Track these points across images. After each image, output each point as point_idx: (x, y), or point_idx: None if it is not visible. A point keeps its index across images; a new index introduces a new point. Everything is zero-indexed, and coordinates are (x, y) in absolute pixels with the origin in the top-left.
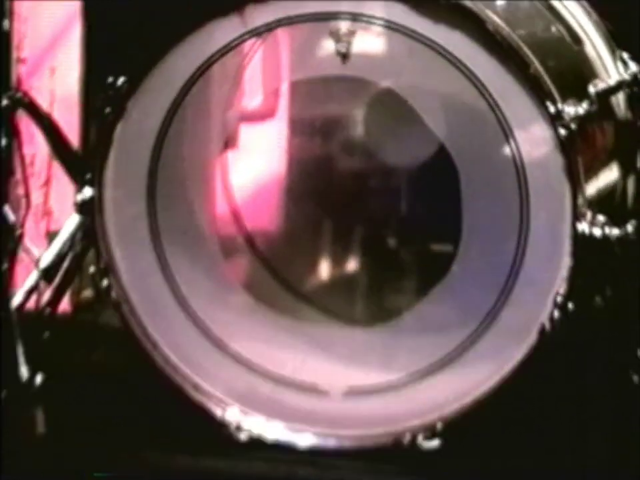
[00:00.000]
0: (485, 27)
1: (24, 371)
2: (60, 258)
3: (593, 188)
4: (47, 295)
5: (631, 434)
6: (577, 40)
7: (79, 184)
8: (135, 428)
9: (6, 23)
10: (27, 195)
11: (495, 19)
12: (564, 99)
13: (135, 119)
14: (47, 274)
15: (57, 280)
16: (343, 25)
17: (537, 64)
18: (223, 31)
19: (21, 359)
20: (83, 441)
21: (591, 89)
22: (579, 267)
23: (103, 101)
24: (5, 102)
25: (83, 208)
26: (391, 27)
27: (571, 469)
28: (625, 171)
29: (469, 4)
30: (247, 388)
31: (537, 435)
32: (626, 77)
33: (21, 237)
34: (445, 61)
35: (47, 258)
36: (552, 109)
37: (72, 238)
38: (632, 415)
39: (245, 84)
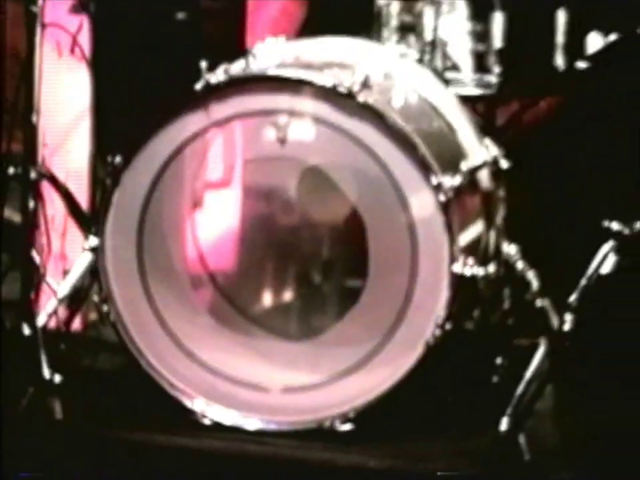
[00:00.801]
0: (386, 121)
1: (46, 373)
2: (73, 290)
3: (464, 239)
4: (63, 317)
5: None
6: (452, 130)
7: (87, 235)
8: (125, 415)
9: (34, 118)
10: (49, 244)
11: (393, 115)
12: (443, 173)
13: (127, 188)
14: (63, 301)
15: (71, 306)
16: (281, 118)
17: (424, 148)
18: (192, 122)
19: (44, 364)
20: (91, 423)
21: (463, 167)
22: (455, 298)
23: (104, 174)
24: (33, 175)
25: (90, 252)
26: (317, 119)
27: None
28: (488, 227)
29: (374, 104)
30: (209, 386)
31: (423, 422)
32: (488, 157)
33: (44, 274)
34: (356, 145)
35: (63, 290)
36: (434, 181)
37: (81, 275)
38: (490, 410)
39: (209, 161)
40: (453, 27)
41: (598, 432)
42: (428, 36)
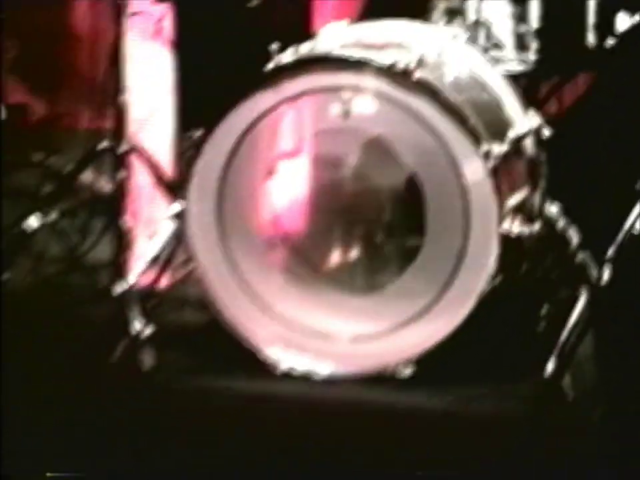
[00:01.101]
0: (439, 96)
1: (138, 325)
2: (160, 251)
3: (512, 201)
4: (151, 276)
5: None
6: (498, 102)
7: (172, 201)
8: (208, 365)
9: (123, 98)
10: (138, 210)
11: (445, 90)
12: (492, 141)
13: (208, 158)
14: (153, 262)
15: (158, 266)
16: (345, 94)
17: (473, 119)
18: (265, 99)
19: (136, 318)
20: (178, 372)
21: (509, 135)
22: (504, 253)
23: (187, 146)
24: (123, 148)
25: (175, 217)
26: (378, 94)
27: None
28: (532, 189)
29: (428, 80)
30: (284, 336)
31: (476, 367)
32: (531, 126)
33: (133, 238)
34: (413, 118)
35: (151, 251)
36: (484, 149)
37: (168, 238)
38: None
39: (281, 134)
40: (495, 10)
41: (634, 373)
42: (473, 17)
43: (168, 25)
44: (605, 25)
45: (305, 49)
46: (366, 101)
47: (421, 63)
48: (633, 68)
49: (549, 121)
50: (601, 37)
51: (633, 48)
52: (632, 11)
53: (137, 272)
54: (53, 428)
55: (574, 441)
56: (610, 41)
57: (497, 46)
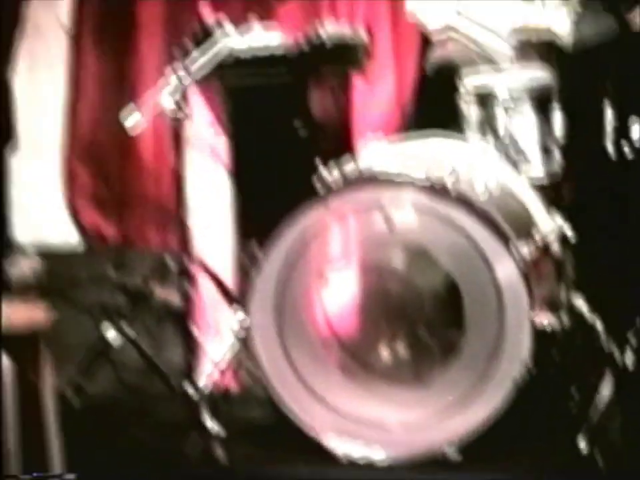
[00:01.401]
0: (472, 205)
1: (209, 422)
2: (227, 355)
3: (540, 293)
4: (221, 377)
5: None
6: (525, 207)
7: (236, 310)
8: (275, 455)
9: (186, 217)
10: (205, 319)
11: (477, 200)
12: (520, 243)
13: (266, 272)
14: (221, 364)
15: (226, 367)
16: (388, 208)
17: (503, 224)
18: (315, 216)
19: (208, 416)
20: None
21: (536, 236)
22: (536, 343)
23: (246, 261)
24: (190, 263)
25: (239, 325)
26: (417, 207)
27: None
28: (558, 282)
29: (461, 192)
30: (340, 426)
31: (515, 446)
32: (555, 227)
33: (202, 344)
34: (449, 225)
35: (219, 356)
36: (513, 251)
37: (233, 344)
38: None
39: (330, 246)
40: (522, 124)
41: None
42: (502, 132)
43: (224, 151)
44: (622, 133)
45: (349, 167)
46: (406, 213)
47: (454, 176)
48: None
49: (571, 221)
50: (619, 145)
51: None
52: None
53: (207, 376)
54: None
55: None
56: (627, 149)
57: (523, 157)
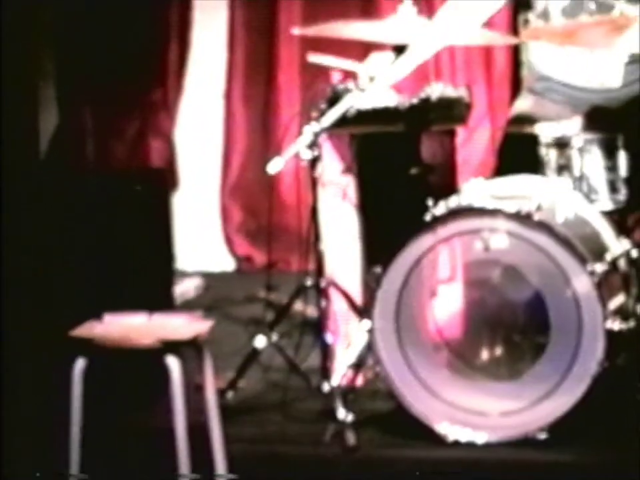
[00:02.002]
0: (554, 231)
1: (341, 414)
2: (355, 358)
3: (612, 305)
4: (351, 376)
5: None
6: (598, 233)
7: (362, 320)
8: (396, 440)
9: (321, 246)
10: (337, 328)
11: (558, 227)
12: (594, 262)
13: (386, 288)
14: (351, 366)
15: (354, 369)
16: (485, 234)
17: (580, 247)
18: (425, 241)
19: (340, 408)
20: (372, 444)
21: (607, 257)
22: (609, 345)
23: (371, 279)
24: (323, 284)
25: (365, 332)
26: (509, 233)
27: None
28: (627, 295)
29: (545, 220)
30: (450, 415)
31: (594, 432)
32: (623, 249)
33: (335, 348)
34: (536, 248)
35: (349, 358)
36: (589, 269)
37: (361, 348)
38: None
39: (439, 265)
40: (593, 164)
41: None
42: (577, 172)
43: (352, 189)
44: None
45: (453, 202)
46: (500, 238)
47: (539, 208)
48: None
49: (637, 244)
50: None
51: None
52: None
53: (339, 374)
54: None
55: None
56: None
57: (595, 191)
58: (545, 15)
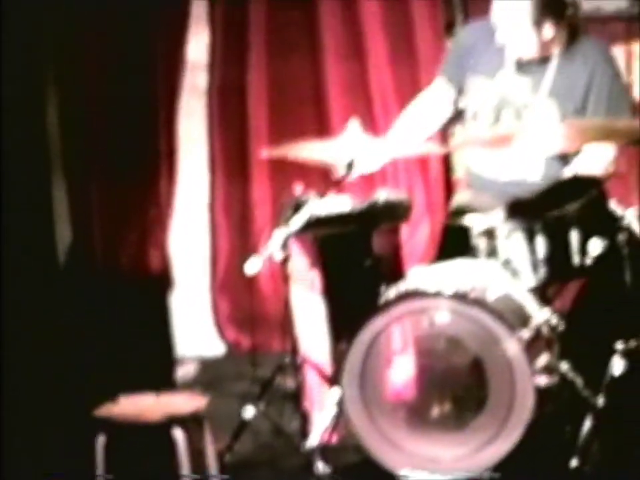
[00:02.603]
0: (486, 308)
1: (321, 467)
2: (330, 419)
3: (538, 364)
4: (327, 434)
5: None
6: (523, 307)
7: (333, 388)
8: None
9: (295, 332)
10: (314, 398)
11: (490, 304)
12: (521, 330)
13: (351, 359)
14: (326, 426)
15: (330, 427)
16: (430, 312)
17: (510, 319)
18: (380, 321)
19: (320, 463)
20: None
21: (532, 325)
22: (537, 397)
23: (339, 353)
24: (300, 359)
25: (335, 402)
26: (450, 310)
27: None
28: (550, 354)
29: (479, 299)
30: (409, 462)
31: (527, 466)
32: (544, 318)
33: (310, 415)
34: (472, 322)
35: (324, 420)
36: (516, 335)
37: (334, 411)
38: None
39: (394, 340)
40: (516, 248)
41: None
42: (503, 256)
43: (318, 281)
44: (584, 248)
45: (402, 286)
46: (443, 315)
47: (473, 288)
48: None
49: (556, 312)
50: (583, 254)
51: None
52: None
53: (317, 435)
54: None
55: None
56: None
57: (519, 271)
58: (474, 117)
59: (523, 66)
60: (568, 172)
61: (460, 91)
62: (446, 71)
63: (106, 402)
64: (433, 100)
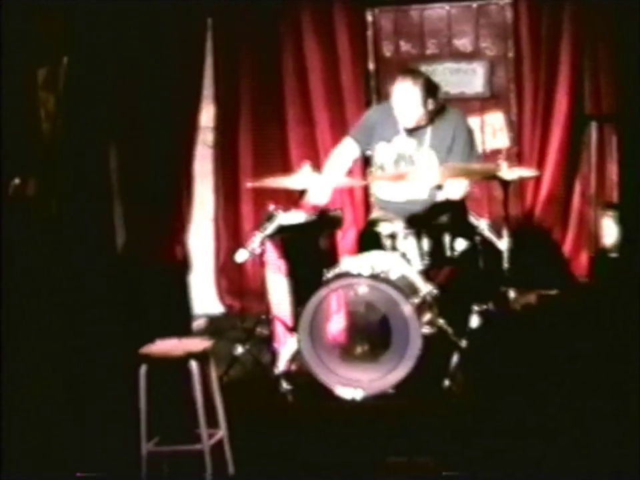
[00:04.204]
0: (390, 282)
1: (285, 385)
2: (290, 356)
3: (423, 319)
4: (287, 364)
5: None
6: (412, 281)
7: (292, 335)
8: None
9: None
10: (280, 341)
11: (393, 279)
12: (414, 298)
13: (305, 317)
14: (288, 360)
15: (290, 360)
16: (356, 287)
17: (405, 290)
18: (324, 291)
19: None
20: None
21: (421, 293)
22: (423, 339)
23: (296, 314)
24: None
25: (297, 342)
26: (368, 285)
27: None
28: (432, 314)
29: (386, 277)
30: (341, 383)
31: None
32: (429, 290)
33: (278, 352)
34: (379, 291)
35: (287, 356)
36: (410, 301)
37: (293, 350)
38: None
39: (332, 304)
40: (410, 245)
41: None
42: (401, 250)
43: (284, 266)
44: (452, 245)
45: (337, 269)
46: (363, 288)
47: (382, 271)
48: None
49: (435, 286)
50: (452, 249)
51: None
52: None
53: (282, 365)
54: None
55: None
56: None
57: (411, 259)
58: (381, 167)
59: (410, 132)
60: (441, 196)
61: (364, 150)
62: (354, 135)
63: (147, 344)
64: (343, 153)
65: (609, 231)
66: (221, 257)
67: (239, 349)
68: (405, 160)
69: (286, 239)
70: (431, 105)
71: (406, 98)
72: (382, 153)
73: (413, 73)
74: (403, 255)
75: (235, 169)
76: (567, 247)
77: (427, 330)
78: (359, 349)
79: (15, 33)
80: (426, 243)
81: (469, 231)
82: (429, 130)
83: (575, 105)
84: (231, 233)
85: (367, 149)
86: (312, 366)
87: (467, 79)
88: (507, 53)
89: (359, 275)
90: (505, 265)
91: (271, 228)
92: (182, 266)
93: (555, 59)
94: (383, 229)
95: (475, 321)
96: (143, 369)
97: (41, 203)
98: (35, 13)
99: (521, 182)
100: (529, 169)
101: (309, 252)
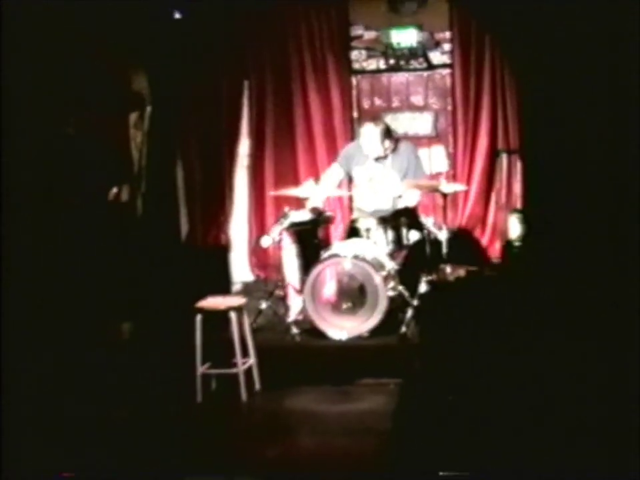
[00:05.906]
0: (368, 261)
1: (294, 329)
2: (299, 308)
3: (389, 286)
4: (296, 315)
5: None
6: (381, 259)
7: (300, 295)
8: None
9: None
10: (290, 300)
11: (370, 259)
12: (381, 271)
13: (308, 283)
14: (297, 312)
15: (298, 312)
16: (344, 263)
17: (376, 266)
18: (320, 267)
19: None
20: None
21: (386, 268)
22: (389, 300)
23: (303, 281)
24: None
25: (302, 300)
26: (351, 262)
27: None
28: (393, 283)
29: (364, 257)
30: (332, 327)
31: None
32: (392, 266)
33: (289, 307)
34: (360, 268)
35: (296, 309)
36: (380, 273)
37: (300, 305)
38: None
39: (326, 274)
40: (379, 235)
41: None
42: (374, 239)
43: (295, 248)
44: (408, 236)
45: (330, 251)
46: (347, 264)
47: (361, 252)
48: None
49: (397, 263)
50: (408, 239)
51: (416, 244)
52: None
53: (293, 315)
54: None
55: None
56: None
57: (380, 245)
58: (359, 184)
59: (377, 159)
60: (400, 203)
61: (347, 171)
62: (339, 162)
63: (202, 299)
64: (332, 174)
65: (514, 228)
66: (252, 242)
67: (263, 305)
68: (375, 179)
69: (296, 230)
70: (387, 142)
71: (369, 137)
72: (359, 174)
73: (375, 120)
74: (375, 242)
75: (262, 183)
76: (485, 238)
77: (390, 293)
78: (344, 306)
79: (112, 89)
80: (390, 234)
81: (420, 226)
82: (390, 157)
83: (492, 141)
84: (258, 226)
85: (348, 170)
86: (312, 317)
87: (419, 123)
88: (447, 107)
89: (345, 256)
90: (444, 249)
91: (286, 223)
92: (225, 248)
93: (478, 111)
94: (362, 224)
95: (423, 287)
96: (199, 317)
97: (131, 205)
98: (126, 72)
99: (455, 194)
100: (460, 185)
101: (312, 239)
